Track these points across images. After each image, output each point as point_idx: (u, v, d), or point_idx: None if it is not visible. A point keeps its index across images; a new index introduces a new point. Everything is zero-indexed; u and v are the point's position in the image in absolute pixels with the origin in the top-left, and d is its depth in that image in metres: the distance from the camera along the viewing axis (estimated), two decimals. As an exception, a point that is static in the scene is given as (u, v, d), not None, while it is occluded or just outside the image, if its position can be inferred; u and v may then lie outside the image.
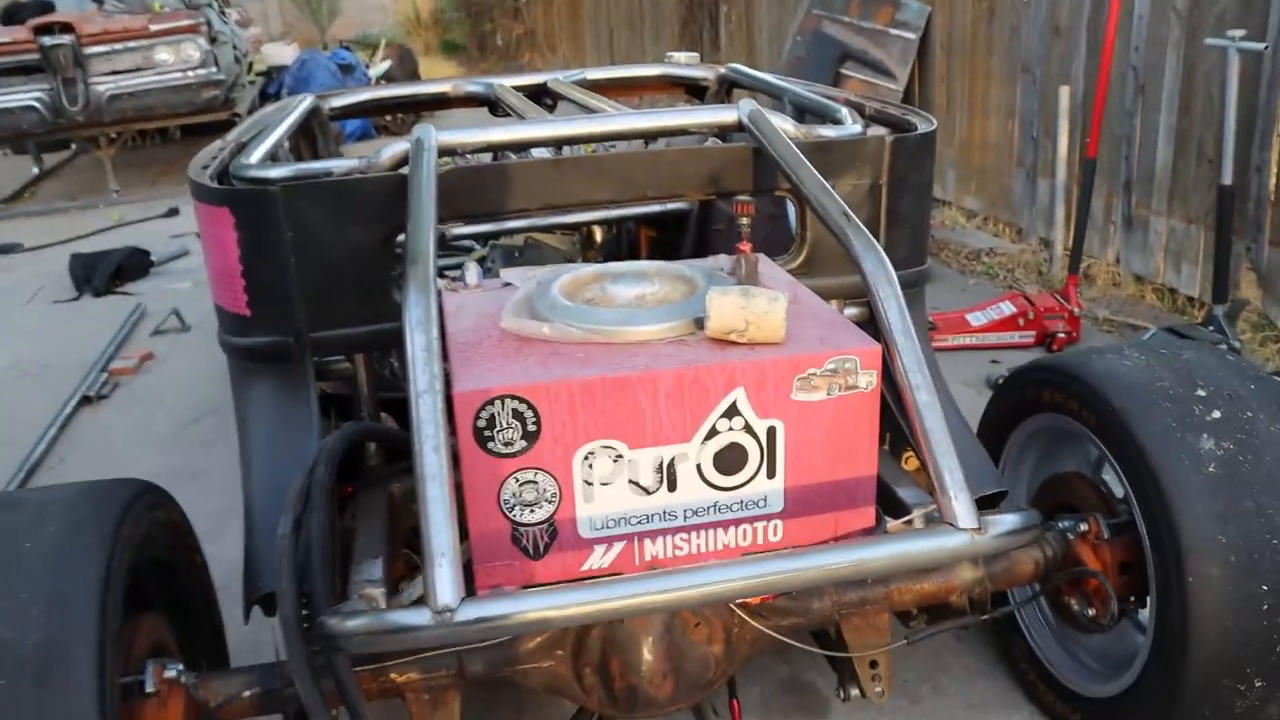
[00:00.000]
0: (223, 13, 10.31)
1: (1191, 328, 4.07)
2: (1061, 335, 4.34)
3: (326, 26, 24.28)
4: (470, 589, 1.58)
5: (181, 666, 1.83)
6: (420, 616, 1.45)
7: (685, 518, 1.66)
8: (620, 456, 1.60)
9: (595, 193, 2.17)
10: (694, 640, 1.90)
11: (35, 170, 10.46)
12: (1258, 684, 1.89)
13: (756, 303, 1.59)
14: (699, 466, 1.64)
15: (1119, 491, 2.05)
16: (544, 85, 3.34)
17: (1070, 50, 5.29)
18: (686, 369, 1.59)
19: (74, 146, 11.22)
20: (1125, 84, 4.91)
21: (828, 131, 2.27)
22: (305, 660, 1.64)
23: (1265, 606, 1.84)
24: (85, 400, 4.43)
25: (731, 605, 1.90)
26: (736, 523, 1.69)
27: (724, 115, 2.35)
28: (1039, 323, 4.39)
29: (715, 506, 1.66)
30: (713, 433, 1.62)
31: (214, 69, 8.58)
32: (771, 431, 1.64)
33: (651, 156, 2.25)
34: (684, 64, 3.89)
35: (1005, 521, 1.64)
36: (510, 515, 1.59)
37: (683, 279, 1.85)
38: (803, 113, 2.63)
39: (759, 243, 2.01)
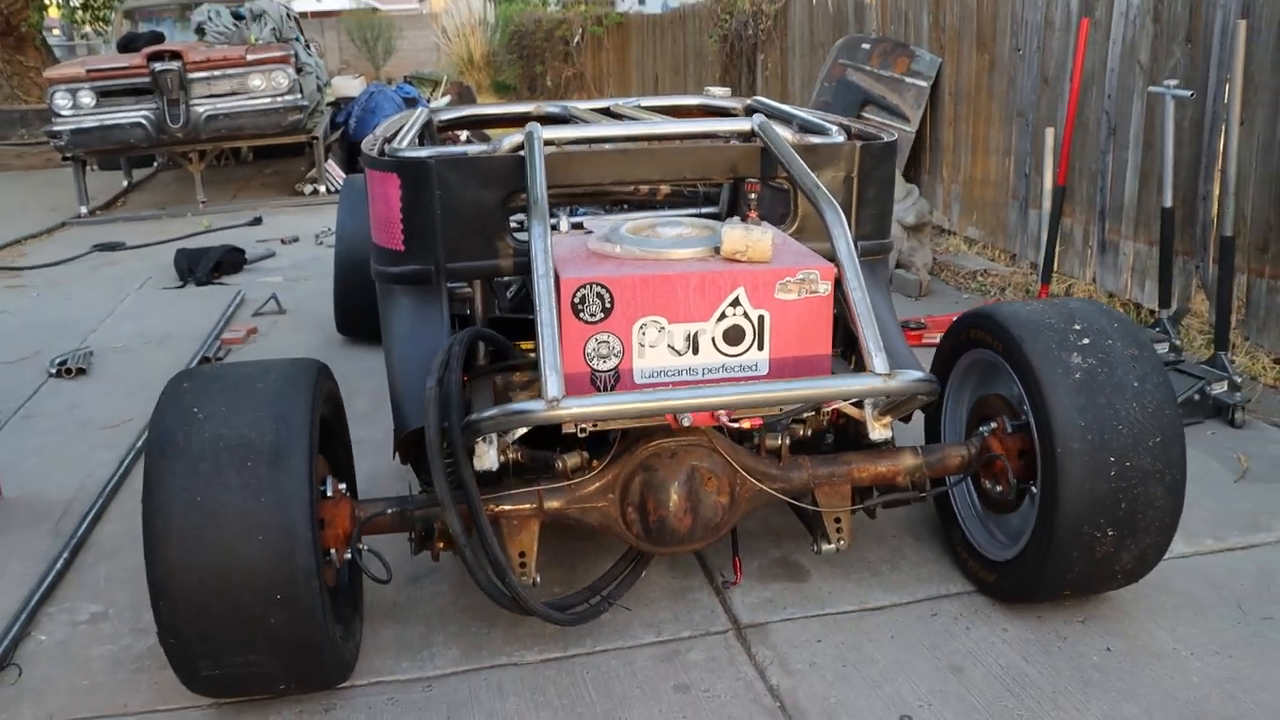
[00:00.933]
0: (308, 46, 11.30)
1: (1141, 329, 4.80)
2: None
3: (381, 64, 25.45)
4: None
5: (345, 486, 2.65)
6: (536, 405, 2.25)
7: (703, 373, 2.47)
8: (663, 328, 2.42)
9: (649, 172, 3.02)
10: (707, 490, 2.68)
11: (125, 183, 11.46)
12: (1110, 533, 2.63)
13: (753, 235, 2.42)
14: (713, 339, 2.46)
15: (1018, 400, 2.82)
16: (608, 108, 4.17)
17: (1056, 98, 6.07)
18: (707, 273, 2.43)
19: (156, 162, 12.24)
20: (1100, 126, 5.69)
21: (815, 139, 3.10)
22: (443, 470, 2.44)
23: (1113, 473, 2.59)
24: (204, 360, 5.27)
25: (735, 465, 2.68)
26: (736, 380, 2.49)
27: (741, 124, 3.18)
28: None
29: (723, 367, 2.47)
30: (723, 316, 2.44)
31: (299, 96, 9.53)
32: (761, 318, 2.45)
33: (688, 149, 3.08)
34: (718, 96, 4.74)
35: (909, 374, 2.43)
36: (590, 363, 2.41)
37: (706, 226, 2.69)
38: (805, 129, 3.44)
39: (774, 217, 2.84)
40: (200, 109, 9.22)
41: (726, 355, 2.48)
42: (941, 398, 3.15)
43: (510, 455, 2.63)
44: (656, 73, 14.91)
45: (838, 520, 2.83)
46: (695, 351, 2.46)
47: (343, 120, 11.80)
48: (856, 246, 2.66)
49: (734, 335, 2.47)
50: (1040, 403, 2.64)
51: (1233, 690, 2.57)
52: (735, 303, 2.44)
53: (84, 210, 9.73)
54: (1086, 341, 2.69)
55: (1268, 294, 4.69)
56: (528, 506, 2.68)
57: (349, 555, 2.58)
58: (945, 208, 7.39)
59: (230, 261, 7.32)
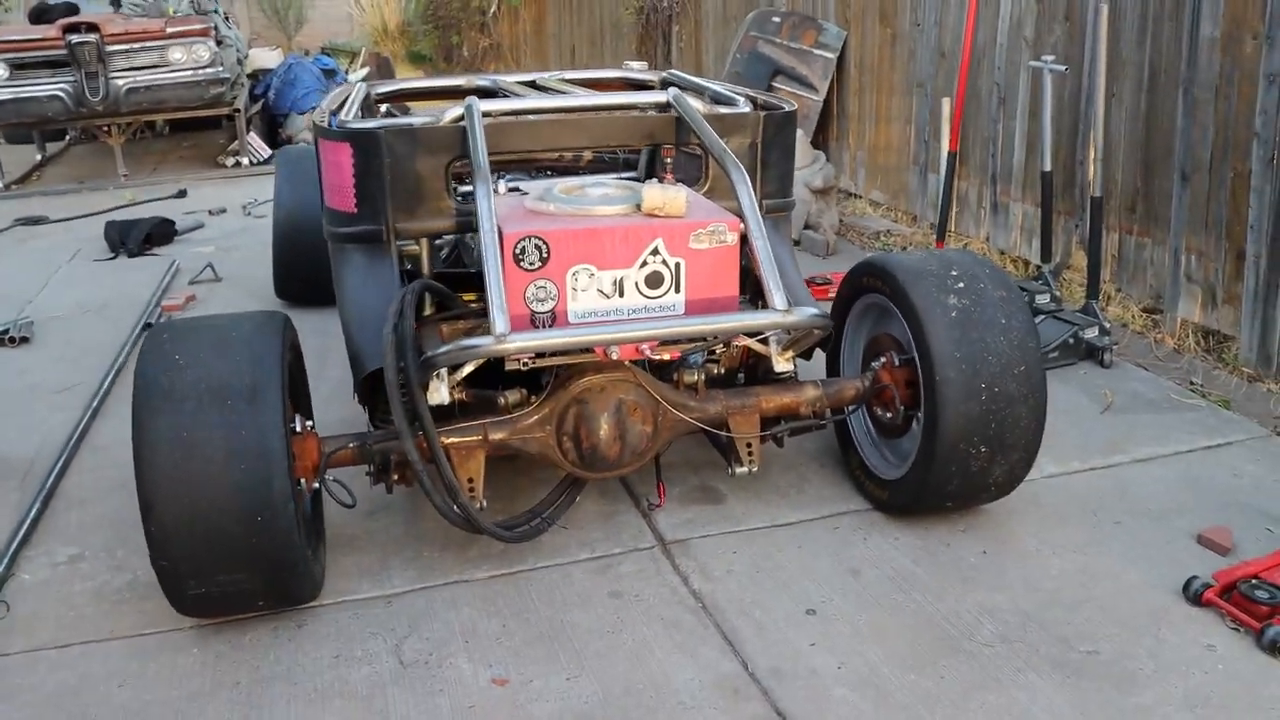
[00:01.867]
0: (227, 18, 11.34)
1: (1026, 281, 5.26)
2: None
3: (293, 35, 25.13)
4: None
5: (311, 422, 2.95)
6: (486, 340, 2.59)
7: (628, 313, 2.83)
8: (593, 274, 2.77)
9: (577, 140, 3.36)
10: (633, 419, 3.04)
11: (39, 157, 11.40)
12: (984, 449, 3.05)
13: (669, 193, 2.79)
14: (636, 283, 2.82)
15: (905, 337, 3.22)
16: (534, 81, 4.48)
17: (952, 70, 6.49)
18: (630, 226, 2.79)
19: (69, 136, 12.17)
20: (991, 97, 6.14)
21: (724, 109, 3.46)
22: (401, 404, 2.75)
23: (984, 397, 3.00)
24: (147, 326, 5.47)
25: (657, 397, 3.04)
26: (656, 318, 2.85)
27: (659, 97, 3.52)
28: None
29: (645, 308, 2.83)
30: (644, 264, 2.80)
31: (220, 68, 9.62)
32: (678, 265, 2.82)
33: (611, 118, 3.41)
34: (636, 69, 5.09)
35: (805, 310, 2.81)
36: (530, 306, 2.76)
37: (628, 187, 3.05)
38: (715, 101, 3.79)
39: (687, 179, 3.20)
40: (120, 82, 9.27)
41: (648, 298, 2.84)
42: (839, 337, 3.55)
43: (456, 395, 2.95)
44: (573, 44, 15.12)
45: (749, 446, 3.21)
46: (621, 295, 2.82)
47: (261, 92, 11.83)
48: (761, 205, 3.04)
49: (654, 280, 2.83)
50: (922, 338, 3.04)
51: (1083, 580, 3.01)
52: (655, 252, 2.80)
53: (0, 184, 9.73)
54: (961, 285, 3.10)
55: (1135, 250, 5.18)
56: (475, 438, 3.01)
57: (317, 485, 2.89)
58: (851, 173, 7.82)
59: (161, 233, 7.46)
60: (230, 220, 8.16)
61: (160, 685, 2.72)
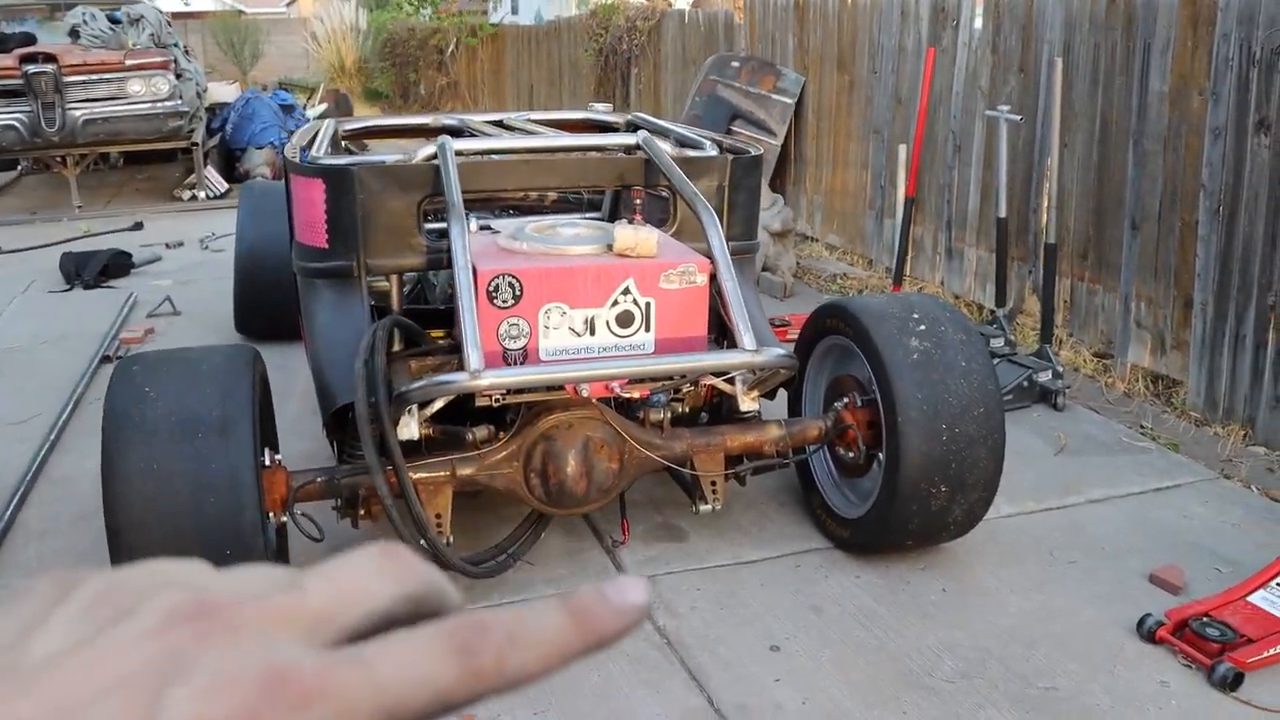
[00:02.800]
0: (187, 52, 11.32)
1: (981, 325, 5.37)
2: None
3: (249, 69, 25.07)
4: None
5: (279, 456, 2.96)
6: (459, 376, 2.61)
7: (599, 351, 2.86)
8: (565, 313, 2.81)
9: (548, 181, 3.41)
10: (600, 456, 3.07)
11: (-11, 187, 11.30)
12: (944, 489, 3.11)
13: (640, 234, 2.84)
14: (607, 322, 2.85)
15: (867, 378, 3.28)
16: (500, 121, 4.53)
17: (909, 117, 6.65)
18: (602, 266, 2.83)
19: (20, 166, 12.05)
20: (947, 144, 6.29)
21: (692, 152, 3.53)
22: (371, 439, 2.77)
23: (945, 438, 3.07)
24: (105, 359, 5.42)
25: (624, 434, 3.08)
26: (626, 356, 2.89)
27: (628, 139, 3.59)
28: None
29: (616, 346, 2.87)
30: (615, 303, 2.84)
31: (179, 102, 9.59)
32: (648, 305, 2.87)
33: (582, 160, 3.47)
34: (601, 111, 5.16)
35: (772, 350, 2.87)
36: (502, 343, 2.78)
37: (599, 227, 3.10)
38: (682, 144, 3.86)
39: (653, 221, 3.25)
40: (77, 113, 9.20)
41: (618, 336, 2.88)
42: (801, 378, 3.61)
43: (425, 431, 2.97)
44: (532, 83, 15.23)
45: (713, 484, 3.25)
46: (592, 333, 2.86)
47: (219, 126, 11.81)
48: (728, 245, 3.10)
49: (625, 319, 2.88)
50: (885, 380, 3.11)
51: (1041, 617, 3.07)
52: (626, 291, 2.85)
53: (-50, 215, 9.61)
54: (923, 328, 3.17)
55: (1087, 296, 5.31)
56: (443, 474, 3.02)
57: (284, 518, 2.89)
58: (808, 216, 7.94)
59: (117, 265, 7.39)
60: (188, 254, 8.11)
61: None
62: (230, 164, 11.28)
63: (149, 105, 9.44)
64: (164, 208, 10.02)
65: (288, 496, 2.88)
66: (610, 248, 2.92)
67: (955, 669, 2.84)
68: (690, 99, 8.69)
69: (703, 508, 3.26)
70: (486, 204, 4.44)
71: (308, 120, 13.77)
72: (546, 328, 2.83)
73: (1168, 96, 4.68)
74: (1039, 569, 3.34)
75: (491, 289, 2.76)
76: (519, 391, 2.89)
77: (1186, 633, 2.89)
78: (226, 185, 10.55)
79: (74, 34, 10.12)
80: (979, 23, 5.94)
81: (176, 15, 25.81)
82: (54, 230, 9.02)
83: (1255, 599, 2.99)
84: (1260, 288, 4.21)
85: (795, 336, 5.55)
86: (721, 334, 3.23)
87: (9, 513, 3.74)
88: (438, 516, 3.01)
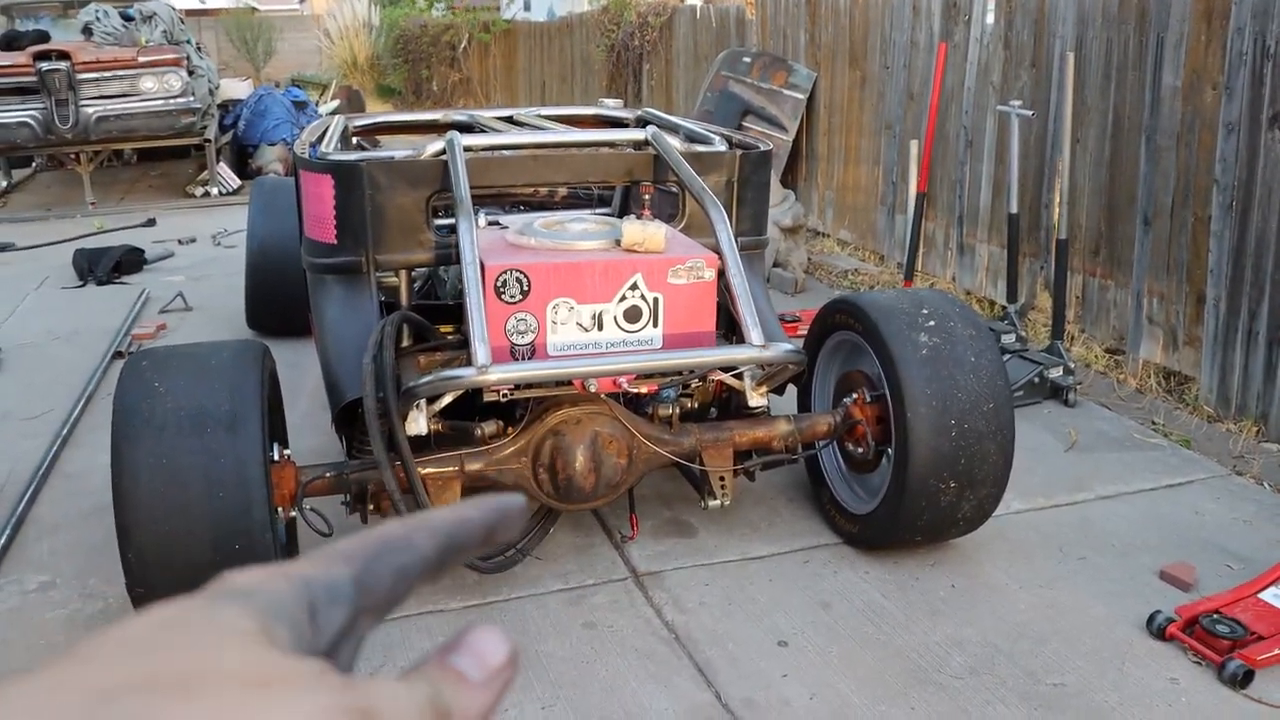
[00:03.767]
0: (199, 49, 11.35)
1: (992, 321, 5.36)
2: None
3: (262, 66, 25.12)
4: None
5: (289, 451, 2.96)
6: (468, 371, 2.61)
7: (607, 346, 2.86)
8: (572, 308, 2.81)
9: (557, 176, 3.41)
10: (608, 452, 3.07)
11: (4, 183, 11.33)
12: (953, 484, 3.10)
13: (649, 229, 2.84)
14: (615, 317, 2.85)
15: (876, 374, 3.28)
16: (511, 117, 4.53)
17: (921, 112, 6.62)
18: (610, 261, 2.82)
19: (35, 163, 12.11)
20: (959, 140, 6.26)
21: (701, 148, 3.53)
22: (379, 434, 2.77)
23: (954, 433, 3.06)
24: (118, 354, 5.45)
25: (632, 430, 3.08)
26: (634, 352, 2.89)
27: (637, 134, 3.59)
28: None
29: (623, 341, 2.87)
30: (623, 298, 2.84)
31: (191, 98, 9.63)
32: (656, 300, 2.86)
33: (591, 155, 3.47)
34: (611, 107, 5.15)
35: (781, 345, 2.86)
36: (510, 338, 2.78)
37: (607, 222, 3.09)
38: (691, 139, 3.85)
39: (662, 216, 3.25)
40: (90, 110, 9.25)
41: (626, 331, 2.88)
42: (811, 373, 3.60)
43: (433, 426, 2.97)
44: (544, 80, 15.23)
45: (722, 479, 3.25)
46: (600, 328, 2.86)
47: (231, 123, 11.83)
48: (736, 241, 3.09)
49: (633, 314, 2.88)
50: (894, 375, 3.10)
51: (1050, 614, 3.06)
52: (634, 286, 2.85)
53: (-34, 211, 9.66)
54: (932, 324, 3.16)
55: (1099, 291, 5.29)
56: (451, 469, 3.03)
57: (293, 514, 2.90)
58: (820, 212, 7.92)
59: (130, 261, 7.43)
60: (200, 250, 8.14)
61: (132, 714, 2.70)
62: (243, 160, 11.31)
63: (161, 102, 9.48)
64: (177, 204, 10.06)
65: (297, 491, 2.89)
66: (618, 243, 2.92)
67: (964, 665, 2.84)
68: (702, 94, 8.68)
69: (711, 503, 3.26)
70: (497, 199, 4.45)
71: (320, 117, 13.85)
72: (554, 323, 2.83)
73: (1181, 91, 4.65)
74: (1049, 565, 3.32)
75: (499, 284, 2.77)
76: (527, 386, 2.90)
77: (1197, 630, 2.87)
78: (239, 182, 10.59)
79: (87, 31, 10.14)
80: (991, 18, 5.91)
81: (190, 12, 25.88)
82: (67, 227, 9.07)
83: (1267, 596, 2.98)
84: (1273, 283, 4.19)
85: (805, 332, 5.56)
86: (731, 329, 3.23)
87: (22, 507, 3.76)
88: (446, 511, 3.01)
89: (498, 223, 3.25)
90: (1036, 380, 4.68)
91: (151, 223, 9.17)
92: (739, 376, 3.08)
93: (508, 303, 2.79)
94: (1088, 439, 4.30)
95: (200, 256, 7.91)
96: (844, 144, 7.60)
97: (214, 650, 0.34)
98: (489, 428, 3.06)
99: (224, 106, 12.80)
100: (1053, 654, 2.88)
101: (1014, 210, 5.19)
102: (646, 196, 3.19)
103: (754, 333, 2.83)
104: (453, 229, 3.13)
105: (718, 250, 3.00)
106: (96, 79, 9.28)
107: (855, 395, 3.31)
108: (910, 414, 3.05)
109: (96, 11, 10.32)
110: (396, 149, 3.70)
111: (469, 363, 2.67)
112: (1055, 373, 4.71)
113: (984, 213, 6.12)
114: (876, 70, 7.12)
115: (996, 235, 6.00)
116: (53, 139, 9.32)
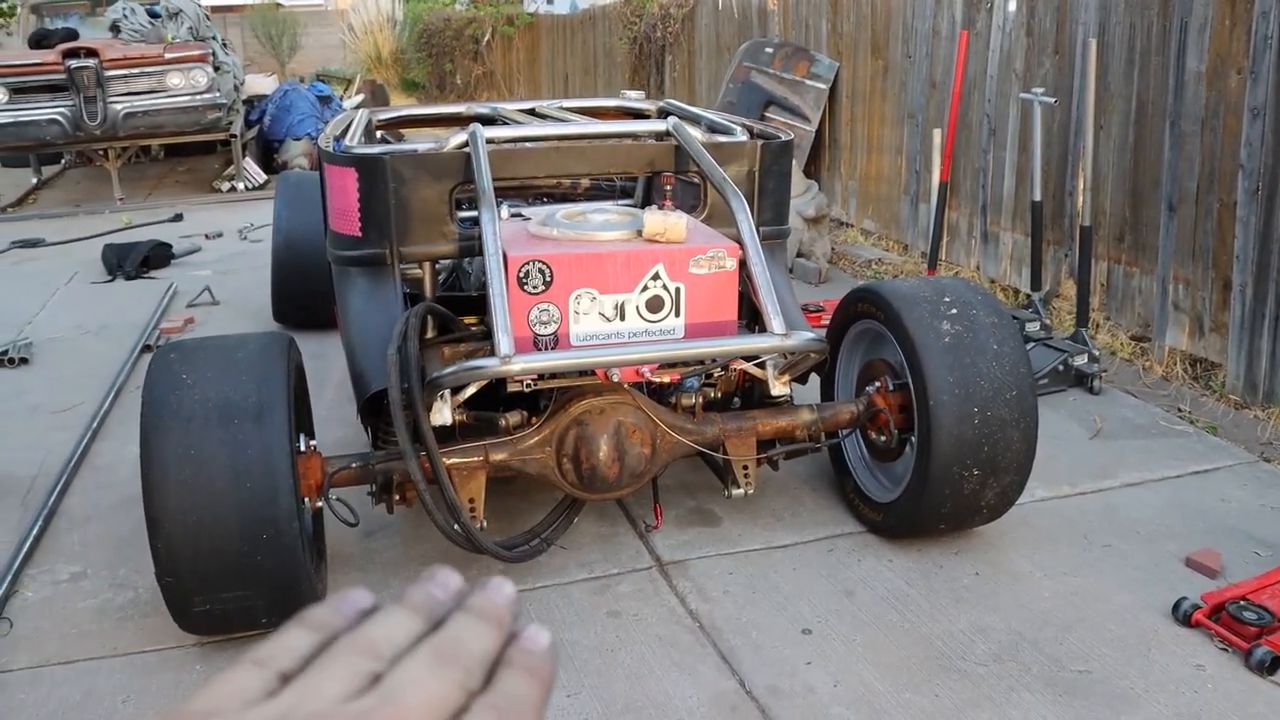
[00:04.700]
0: (225, 45, 11.43)
1: (1016, 309, 5.34)
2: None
3: (286, 61, 25.25)
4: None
5: (315, 442, 3.00)
6: (491, 362, 2.64)
7: (629, 336, 2.88)
8: (595, 298, 2.82)
9: (578, 168, 3.42)
10: (632, 441, 3.08)
11: (35, 180, 11.45)
12: (976, 472, 3.10)
13: (670, 219, 2.85)
14: (637, 307, 2.87)
15: (899, 362, 3.28)
16: (533, 109, 4.55)
17: (943, 101, 6.60)
18: (632, 251, 2.84)
19: (65, 160, 12.23)
20: (982, 128, 6.23)
21: (722, 138, 3.53)
22: (405, 425, 2.80)
23: (977, 421, 3.06)
24: (146, 348, 5.51)
25: (655, 419, 3.09)
26: (656, 341, 2.90)
27: (658, 125, 3.60)
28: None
29: (646, 331, 2.88)
30: (645, 288, 2.85)
31: (218, 94, 9.70)
32: (678, 290, 2.87)
33: (612, 146, 3.48)
34: (633, 98, 5.17)
35: (802, 334, 2.87)
36: (533, 329, 2.80)
37: (629, 213, 3.10)
38: (712, 130, 3.86)
39: (684, 207, 3.26)
40: (118, 106, 9.33)
41: (649, 321, 2.90)
42: (833, 362, 3.60)
43: (457, 417, 3.00)
44: (567, 72, 15.24)
45: (745, 468, 3.26)
46: (622, 318, 2.88)
47: (256, 118, 11.91)
48: (758, 231, 3.10)
49: (655, 304, 2.89)
50: (917, 363, 3.10)
51: (1075, 601, 3.06)
52: (656, 276, 2.86)
53: (-4, 208, 9.77)
54: (955, 312, 3.16)
55: (1124, 279, 5.26)
56: (476, 459, 3.05)
57: (320, 504, 2.93)
58: (843, 202, 7.91)
59: (158, 256, 7.50)
60: (227, 244, 8.21)
61: (164, 701, 2.75)
62: (268, 155, 11.39)
63: (188, 98, 9.55)
64: (203, 199, 10.14)
65: (323, 482, 2.92)
66: (640, 233, 2.93)
67: (988, 652, 2.84)
68: (724, 85, 8.67)
69: (735, 492, 3.27)
70: (520, 191, 4.46)
71: (344, 111, 13.92)
72: (577, 313, 2.84)
73: (1205, 76, 4.62)
74: (1073, 553, 3.32)
75: (522, 275, 2.79)
76: (550, 377, 2.91)
77: (1223, 616, 2.86)
78: (265, 176, 10.66)
79: (114, 29, 10.24)
80: (1013, 5, 5.88)
81: (215, 9, 26.01)
82: (96, 223, 9.16)
83: (1293, 582, 2.97)
84: (1301, 269, 4.15)
85: (825, 320, 5.56)
86: (753, 319, 3.23)
87: (53, 499, 3.81)
88: (471, 501, 3.04)
89: (520, 214, 3.27)
90: (1061, 368, 4.66)
91: (179, 218, 9.24)
92: (761, 366, 3.09)
93: (530, 293, 2.81)
94: (1113, 426, 4.28)
95: (227, 251, 7.97)
96: (867, 133, 7.57)
97: None
98: (513, 418, 3.08)
99: (249, 102, 12.90)
100: (1077, 641, 2.88)
101: (1037, 198, 5.17)
102: (668, 187, 3.21)
103: (776, 322, 2.84)
104: (476, 221, 3.16)
105: (739, 240, 3.00)
106: (124, 76, 9.36)
107: (878, 384, 3.32)
108: (933, 402, 3.05)
109: (124, 9, 10.41)
110: (420, 142, 3.73)
111: (493, 353, 2.69)
112: (1080, 360, 4.69)
113: (1007, 200, 6.09)
114: (899, 59, 7.10)
115: (1020, 223, 5.97)
116: (81, 135, 9.40)
